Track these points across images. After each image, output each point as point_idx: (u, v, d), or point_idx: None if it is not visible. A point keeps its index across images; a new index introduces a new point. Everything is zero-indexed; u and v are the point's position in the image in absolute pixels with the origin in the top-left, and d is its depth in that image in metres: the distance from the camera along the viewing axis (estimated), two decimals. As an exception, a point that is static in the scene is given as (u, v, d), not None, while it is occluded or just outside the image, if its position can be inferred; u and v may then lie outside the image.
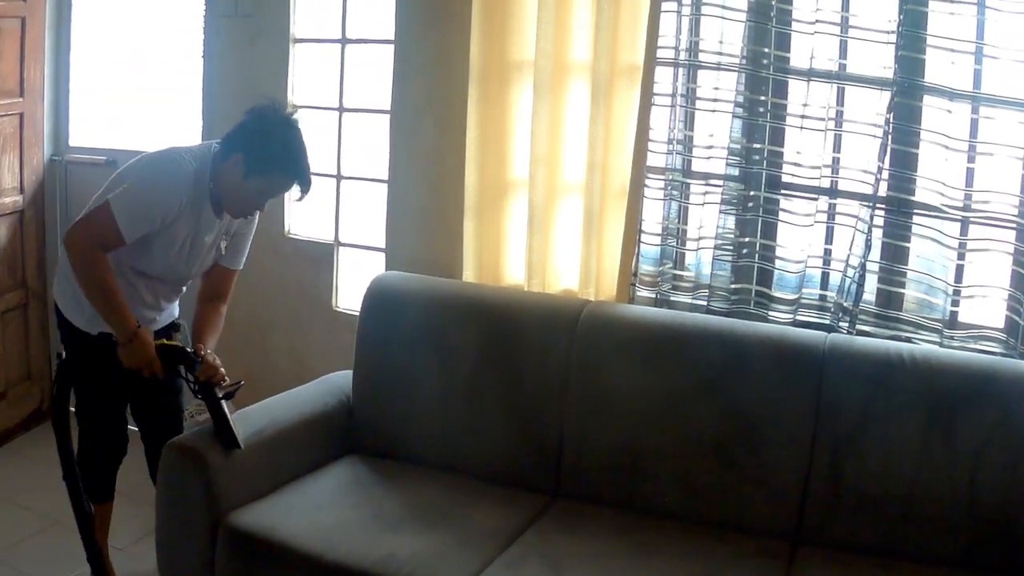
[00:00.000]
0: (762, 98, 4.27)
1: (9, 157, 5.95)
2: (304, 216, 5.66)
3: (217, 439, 3.97)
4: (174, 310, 4.37)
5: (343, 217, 5.55)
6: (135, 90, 6.45)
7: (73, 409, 4.21)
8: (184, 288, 4.33)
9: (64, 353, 4.08)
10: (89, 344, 4.04)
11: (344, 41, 5.40)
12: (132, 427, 4.41)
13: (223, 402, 3.95)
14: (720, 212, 4.39)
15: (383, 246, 5.26)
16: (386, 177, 5.18)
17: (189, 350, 3.99)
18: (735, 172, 4.35)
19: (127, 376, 3.98)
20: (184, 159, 3.94)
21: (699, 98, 4.40)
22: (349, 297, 5.49)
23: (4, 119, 5.85)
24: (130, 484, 4.41)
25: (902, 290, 4.21)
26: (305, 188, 3.97)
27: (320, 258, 5.55)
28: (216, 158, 3.96)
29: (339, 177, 5.50)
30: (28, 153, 6.09)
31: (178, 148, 4.04)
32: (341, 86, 5.45)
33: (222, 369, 3.98)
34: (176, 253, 4.00)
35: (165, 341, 3.97)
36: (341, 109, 5.45)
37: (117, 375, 3.99)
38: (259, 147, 3.86)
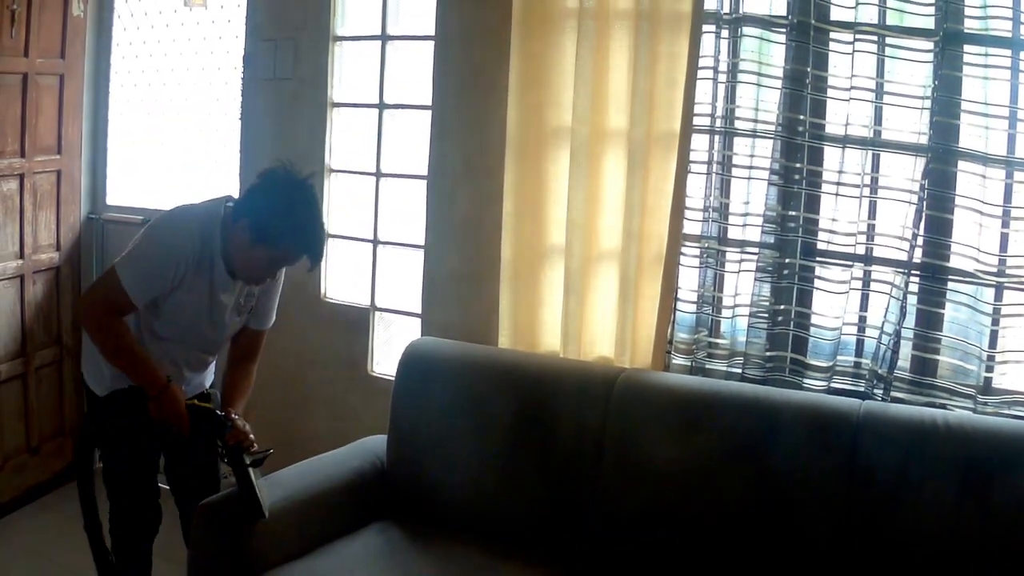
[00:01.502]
0: (797, 165, 4.28)
1: (46, 214, 6.01)
2: (341, 280, 5.69)
3: (241, 507, 3.93)
4: (204, 380, 4.33)
5: (379, 281, 5.56)
6: (173, 149, 6.49)
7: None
8: (213, 358, 4.31)
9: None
10: (114, 410, 4.03)
11: (382, 106, 5.44)
12: (163, 484, 4.39)
13: (250, 469, 3.92)
14: (755, 279, 4.40)
15: (419, 311, 5.28)
16: (422, 242, 5.20)
17: (219, 413, 3.98)
18: (770, 239, 4.36)
19: (161, 438, 3.98)
20: (190, 218, 3.90)
21: (735, 165, 4.42)
22: (384, 362, 5.51)
23: (41, 176, 5.91)
24: (161, 543, 4.41)
25: (936, 356, 4.20)
26: (315, 259, 3.88)
27: (356, 322, 5.57)
28: (226, 218, 3.89)
29: (376, 242, 5.52)
30: (65, 210, 6.15)
31: (186, 206, 4.02)
32: (379, 150, 5.48)
33: (251, 435, 3.96)
34: (194, 315, 3.96)
35: (196, 401, 3.97)
36: (378, 174, 5.48)
37: (145, 440, 4.00)
38: (265, 215, 3.77)
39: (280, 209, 3.77)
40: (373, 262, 5.55)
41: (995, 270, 4.02)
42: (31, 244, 5.87)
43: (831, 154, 4.28)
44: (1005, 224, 4.00)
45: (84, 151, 6.33)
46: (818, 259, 4.33)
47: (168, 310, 3.91)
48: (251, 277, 3.97)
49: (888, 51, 4.16)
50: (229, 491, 4.06)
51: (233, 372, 4.25)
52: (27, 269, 5.86)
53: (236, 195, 4.00)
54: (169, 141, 6.51)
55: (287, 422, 5.73)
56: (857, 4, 4.09)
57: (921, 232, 4.11)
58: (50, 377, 6.06)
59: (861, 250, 4.26)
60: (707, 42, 4.36)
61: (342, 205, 5.67)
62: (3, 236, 5.67)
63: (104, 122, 6.48)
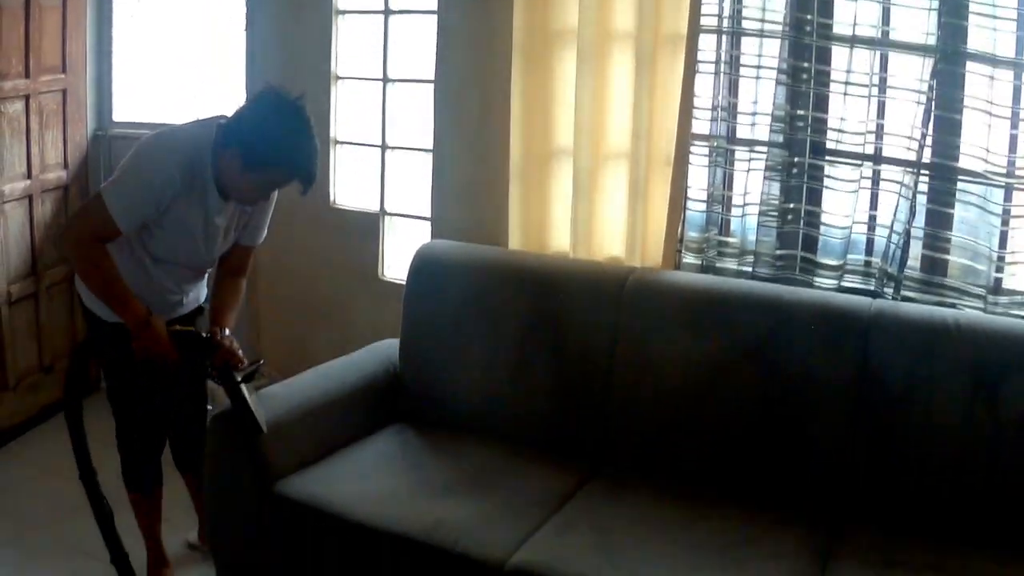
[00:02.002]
0: (805, 64, 4.26)
1: (53, 133, 5.98)
2: (349, 186, 5.70)
3: (238, 425, 3.88)
4: (200, 294, 4.30)
5: (388, 187, 5.57)
6: (178, 62, 6.48)
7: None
8: (207, 272, 4.28)
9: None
10: (113, 333, 4.00)
11: (387, 12, 5.43)
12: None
13: (242, 386, 3.86)
14: (764, 178, 4.40)
15: (429, 215, 5.28)
16: (431, 147, 5.19)
17: (204, 334, 3.91)
18: (779, 138, 4.35)
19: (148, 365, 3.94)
20: (177, 142, 3.81)
21: (743, 65, 4.40)
22: (395, 266, 5.53)
23: (47, 95, 5.89)
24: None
25: (947, 256, 4.21)
26: (306, 184, 3.79)
27: (366, 228, 5.59)
28: (218, 141, 3.79)
29: (384, 147, 5.52)
30: (71, 129, 6.13)
31: (175, 129, 3.95)
32: (385, 57, 5.46)
33: (239, 352, 3.92)
34: (190, 238, 3.91)
35: (178, 327, 3.89)
36: (385, 80, 5.47)
37: (145, 363, 3.92)
38: (255, 141, 3.69)
39: (269, 134, 3.70)
40: (382, 167, 5.56)
41: (1004, 171, 4.01)
42: (39, 164, 5.86)
43: (839, 54, 4.26)
44: (1014, 125, 3.98)
45: (89, 69, 6.31)
46: (827, 158, 4.31)
47: (162, 233, 3.86)
48: (243, 199, 3.93)
49: (896, -49, 4.12)
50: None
51: (221, 288, 4.18)
52: (35, 189, 5.85)
53: (229, 115, 3.90)
54: (174, 54, 6.50)
55: (299, 330, 5.75)
56: (867, -97, 4.06)
57: (930, 132, 4.09)
58: (61, 295, 6.07)
59: (870, 149, 4.25)
60: (713, -58, 4.33)
61: (349, 112, 5.67)
62: (10, 157, 5.65)
63: (108, 38, 6.45)
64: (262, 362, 4.02)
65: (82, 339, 3.92)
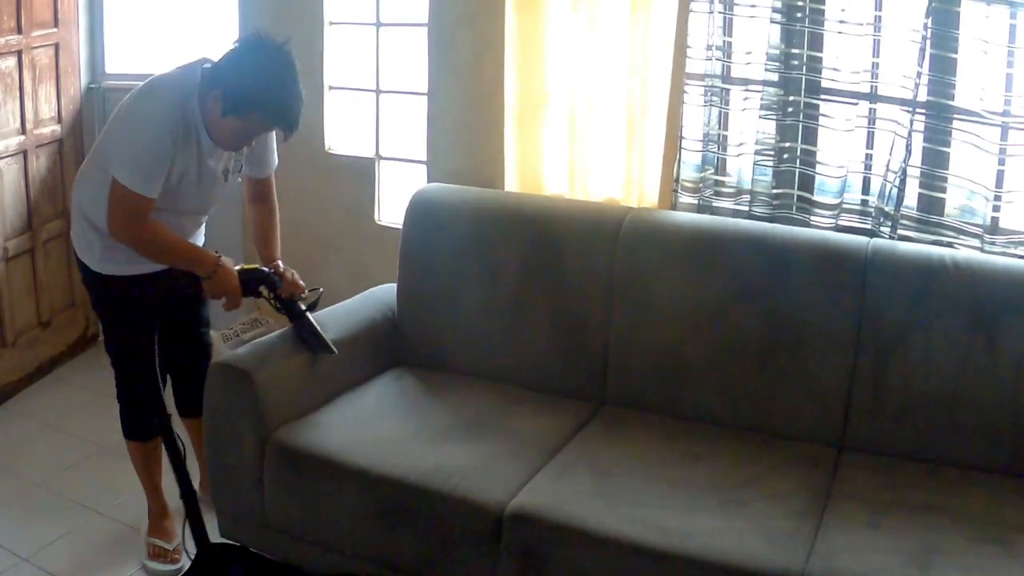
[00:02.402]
0: (800, 3, 4.23)
1: (46, 88, 5.97)
2: (344, 131, 5.68)
3: (309, 348, 4.11)
4: (199, 239, 4.28)
5: (383, 131, 5.55)
6: (169, 12, 6.46)
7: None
8: (206, 217, 4.27)
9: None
10: (105, 285, 4.05)
11: (380, -45, 5.37)
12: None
13: (307, 314, 4.10)
14: (760, 118, 4.38)
15: (424, 159, 5.27)
16: (426, 90, 5.17)
17: (267, 270, 4.03)
18: (774, 78, 4.33)
19: (154, 308, 3.93)
20: (166, 91, 3.77)
21: (737, 4, 4.36)
22: (391, 211, 5.52)
23: (39, 50, 5.86)
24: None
25: (943, 195, 4.19)
26: (288, 130, 3.75)
27: (361, 173, 5.57)
28: (203, 85, 3.77)
29: (378, 91, 5.50)
30: (65, 83, 6.11)
31: (159, 78, 3.87)
32: (378, 1, 5.42)
33: (301, 282, 4.05)
34: (185, 183, 3.89)
35: (245, 266, 3.99)
36: (378, 24, 5.44)
37: (147, 315, 3.92)
38: (236, 85, 3.65)
39: (250, 79, 3.67)
40: (376, 111, 5.54)
41: (1000, 110, 3.99)
42: (32, 119, 5.84)
43: (834, -8, 4.23)
44: (1010, 64, 3.96)
45: (81, 22, 6.28)
46: (823, 97, 4.29)
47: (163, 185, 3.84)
48: (227, 145, 3.90)
49: None
50: (242, 348, 4.09)
51: (257, 222, 4.29)
52: (30, 144, 5.83)
53: (212, 58, 3.87)
54: (165, 4, 6.48)
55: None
56: None
57: (925, 71, 4.07)
58: (58, 250, 6.06)
59: (866, 88, 4.22)
60: None
61: (343, 56, 5.64)
62: (4, 113, 5.63)
63: (100, -10, 6.42)
64: (321, 290, 4.17)
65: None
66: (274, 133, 4.10)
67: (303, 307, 4.07)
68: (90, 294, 4.24)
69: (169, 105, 3.72)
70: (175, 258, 3.89)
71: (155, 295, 3.96)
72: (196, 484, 4.50)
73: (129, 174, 3.67)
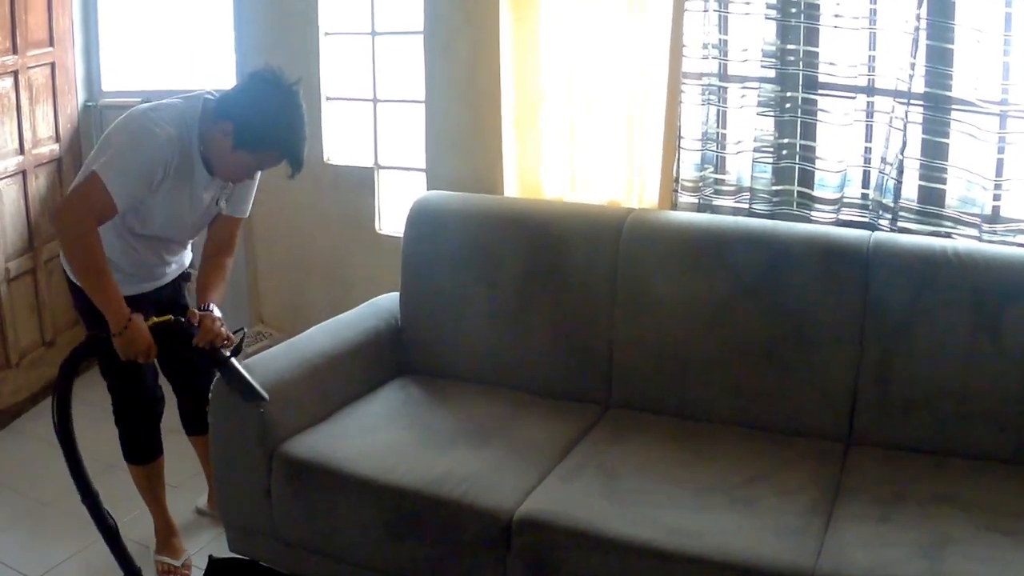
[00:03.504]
0: (793, -1, 4.24)
1: (43, 107, 5.97)
2: (342, 142, 5.69)
3: (240, 396, 3.81)
4: (184, 260, 4.28)
5: (381, 140, 5.56)
6: (165, 30, 6.46)
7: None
8: (188, 242, 4.25)
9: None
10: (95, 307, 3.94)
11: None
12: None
13: (232, 360, 3.80)
14: (758, 114, 4.38)
15: (423, 166, 5.26)
16: (423, 98, 5.17)
17: (182, 320, 3.83)
18: (771, 74, 4.33)
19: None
20: (168, 118, 3.74)
21: (731, 1, 4.36)
22: (392, 220, 5.52)
23: (35, 70, 5.86)
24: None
25: (942, 186, 4.18)
26: (295, 167, 3.77)
27: (361, 183, 5.59)
28: (205, 117, 3.77)
29: (375, 100, 5.51)
30: (62, 101, 6.11)
31: (161, 105, 3.83)
32: (372, 10, 5.44)
33: (223, 329, 3.83)
34: (175, 213, 3.89)
35: (155, 319, 3.77)
36: (374, 33, 5.46)
37: None
38: (250, 120, 3.68)
39: (264, 115, 3.69)
40: (374, 121, 5.55)
41: (998, 98, 3.98)
42: (31, 139, 5.84)
43: (827, -13, 4.23)
44: (1006, 52, 3.95)
45: (77, 40, 6.28)
46: (820, 92, 4.29)
47: (147, 210, 3.83)
48: (229, 176, 3.91)
49: None
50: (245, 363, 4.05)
51: (208, 268, 4.12)
52: (28, 164, 5.83)
53: (212, 90, 3.88)
54: (161, 22, 6.48)
55: (298, 289, 5.77)
56: None
57: (921, 62, 4.06)
58: (59, 269, 5.93)
59: (863, 82, 4.21)
60: None
61: (339, 67, 5.65)
62: (2, 133, 5.63)
63: (94, 9, 6.43)
64: (244, 331, 3.99)
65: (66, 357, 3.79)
66: (258, 178, 4.11)
67: (226, 354, 3.80)
68: (83, 319, 4.20)
69: (171, 134, 3.71)
70: (94, 284, 3.73)
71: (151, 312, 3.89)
72: (205, 500, 4.54)
73: (112, 175, 3.61)
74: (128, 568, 3.88)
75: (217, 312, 3.90)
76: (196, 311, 3.88)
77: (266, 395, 3.80)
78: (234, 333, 3.86)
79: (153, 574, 4.35)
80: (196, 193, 3.89)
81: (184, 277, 4.26)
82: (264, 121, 3.68)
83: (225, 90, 3.83)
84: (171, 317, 3.81)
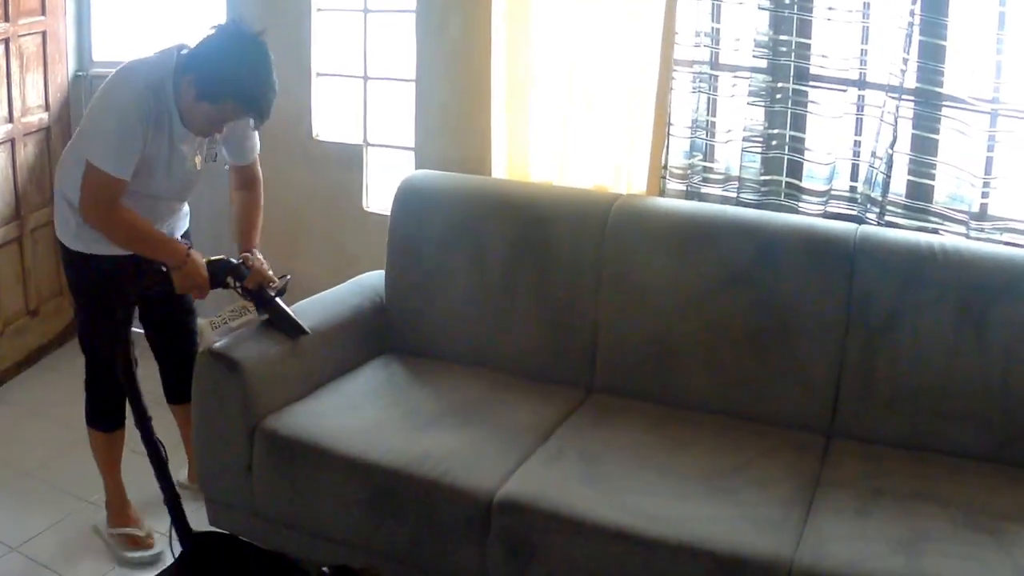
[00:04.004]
0: (787, -11, 4.24)
1: (33, 76, 5.95)
2: (331, 118, 5.67)
3: (284, 333, 4.12)
4: (178, 224, 4.30)
5: (371, 118, 5.54)
6: (158, 1, 6.44)
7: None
8: (184, 204, 4.29)
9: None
10: (86, 267, 4.06)
11: (368, -58, 5.37)
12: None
13: (277, 300, 4.10)
14: (748, 104, 4.38)
15: (412, 145, 5.26)
16: (413, 76, 5.16)
17: (235, 261, 4.02)
18: (762, 64, 4.33)
19: (137, 299, 4.02)
20: (138, 75, 3.79)
21: (723, -10, 4.37)
22: (379, 198, 5.50)
23: (27, 38, 5.85)
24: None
25: (931, 182, 4.19)
26: (259, 119, 3.80)
27: (349, 160, 5.56)
28: (178, 70, 3.80)
29: (366, 78, 5.49)
30: (52, 70, 6.10)
31: (134, 63, 3.89)
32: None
33: (269, 271, 4.04)
34: (157, 168, 3.90)
35: (212, 258, 3.97)
36: (366, 10, 5.42)
37: (120, 296, 3.93)
38: (210, 71, 3.69)
39: (225, 66, 3.70)
40: (364, 98, 5.53)
41: (989, 96, 3.99)
42: (20, 107, 5.83)
43: (822, -22, 4.23)
44: (999, 51, 3.95)
45: (68, 10, 6.27)
46: (811, 84, 4.29)
47: (136, 167, 3.84)
48: (199, 130, 3.92)
49: None
50: (231, 336, 4.06)
51: (239, 208, 4.27)
52: (17, 133, 5.82)
53: (189, 44, 3.89)
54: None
55: (283, 264, 5.72)
56: None
57: (913, 57, 4.06)
58: (45, 238, 6.02)
59: (854, 75, 4.22)
60: None
61: (330, 43, 5.62)
62: (-8, 102, 5.63)
63: (86, -22, 6.41)
64: (289, 277, 4.16)
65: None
66: (250, 123, 4.06)
67: (272, 294, 4.08)
68: (67, 276, 4.25)
69: (142, 89, 3.74)
70: (145, 246, 3.90)
71: (130, 278, 3.99)
72: (185, 474, 4.53)
73: (100, 154, 3.71)
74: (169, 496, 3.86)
75: (259, 255, 4.12)
76: (248, 255, 4.10)
77: (308, 330, 4.18)
78: (281, 277, 4.09)
79: (115, 549, 4.36)
80: (175, 146, 3.91)
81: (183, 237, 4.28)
82: (222, 71, 3.69)
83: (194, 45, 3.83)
84: (224, 257, 4.01)
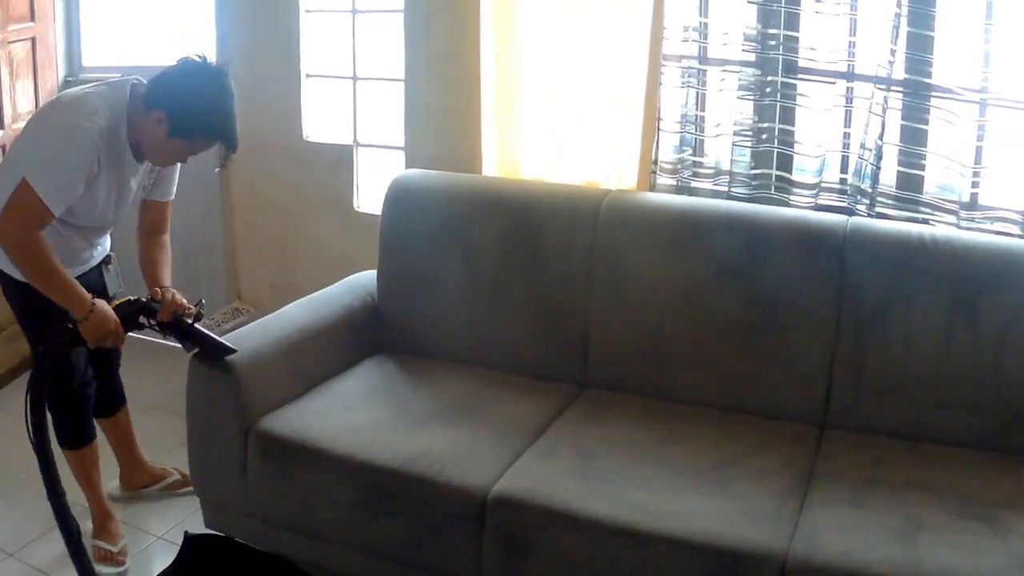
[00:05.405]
0: (776, -18, 4.24)
1: (23, 82, 5.97)
2: (321, 119, 5.68)
3: (211, 358, 3.96)
4: (106, 244, 4.28)
5: (361, 118, 5.55)
6: (147, 5, 6.44)
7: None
8: (109, 229, 4.24)
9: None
10: (26, 294, 3.96)
11: (355, -57, 5.37)
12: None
13: (196, 327, 3.95)
14: (737, 98, 4.38)
15: (402, 145, 5.26)
16: (402, 76, 5.16)
17: (144, 299, 3.92)
18: (751, 58, 4.33)
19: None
20: (94, 108, 3.73)
21: (712, -16, 4.37)
22: (370, 198, 5.52)
23: (16, 44, 5.86)
24: (165, 394, 4.43)
25: (920, 172, 4.19)
26: (232, 148, 3.84)
27: (339, 160, 5.58)
28: (134, 105, 3.76)
29: (355, 78, 5.50)
30: (42, 76, 6.11)
31: (87, 95, 3.81)
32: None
33: (182, 300, 3.93)
34: (104, 202, 3.89)
35: (117, 301, 3.88)
36: (354, 11, 5.45)
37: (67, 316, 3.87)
38: (183, 108, 3.68)
39: (198, 102, 3.70)
40: (353, 98, 5.54)
41: (978, 86, 3.99)
42: (10, 114, 5.86)
43: (809, -29, 4.23)
44: (987, 41, 3.95)
45: (58, 16, 6.28)
46: (800, 76, 4.29)
47: (78, 205, 3.81)
48: (162, 163, 3.95)
49: None
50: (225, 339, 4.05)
51: (149, 250, 4.17)
52: (7, 139, 5.81)
53: (137, 77, 3.87)
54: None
55: (275, 265, 5.77)
56: None
57: (901, 49, 4.07)
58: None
59: (843, 67, 4.22)
60: None
61: (319, 44, 5.64)
62: (-18, 109, 5.63)
63: (76, -15, 6.41)
64: (203, 301, 4.04)
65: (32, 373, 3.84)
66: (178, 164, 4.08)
67: (189, 322, 3.94)
68: (13, 308, 4.21)
69: (99, 123, 3.70)
70: (50, 284, 3.75)
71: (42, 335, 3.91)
72: (115, 483, 4.62)
73: (43, 181, 3.60)
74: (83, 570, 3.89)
75: (171, 288, 4.00)
76: (158, 290, 3.96)
77: (235, 348, 3.97)
78: (195, 304, 3.96)
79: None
80: (125, 180, 3.91)
81: (105, 261, 4.26)
82: (198, 108, 3.69)
83: (154, 77, 3.79)
84: (131, 298, 3.89)
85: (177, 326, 3.92)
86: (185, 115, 3.67)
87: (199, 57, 3.75)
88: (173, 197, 4.23)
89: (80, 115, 3.70)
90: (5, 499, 4.73)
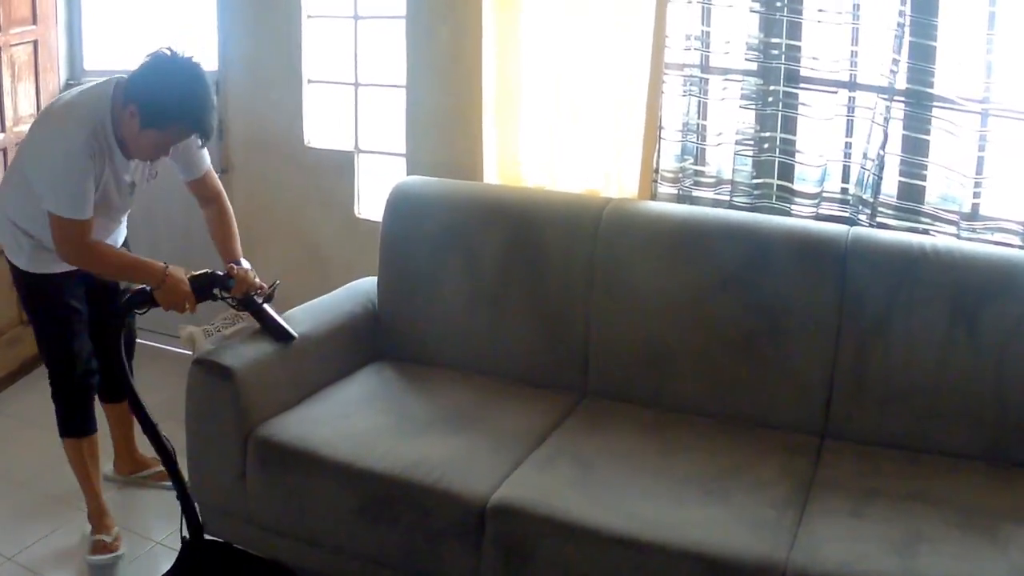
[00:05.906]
0: (779, -8, 4.24)
1: (25, 85, 5.96)
2: (323, 125, 5.67)
3: (273, 338, 4.13)
4: (118, 237, 4.35)
5: (362, 124, 5.55)
6: (149, 9, 6.43)
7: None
8: (123, 218, 4.33)
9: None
10: (37, 284, 4.14)
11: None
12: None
13: (265, 307, 4.13)
14: (739, 107, 4.37)
15: (404, 152, 5.25)
16: (404, 83, 5.15)
17: (220, 273, 4.04)
18: (753, 67, 4.33)
19: (83, 305, 4.11)
20: (79, 113, 3.84)
21: (714, -7, 4.37)
22: (371, 204, 5.51)
23: (18, 48, 5.86)
24: (164, 399, 4.43)
25: (922, 182, 4.19)
26: (204, 137, 3.87)
27: (341, 166, 5.57)
28: (116, 100, 3.84)
29: (357, 84, 5.49)
30: (44, 79, 6.11)
31: (72, 101, 3.93)
32: (355, -6, 5.42)
33: (256, 279, 4.06)
34: (104, 198, 3.96)
35: (194, 273, 3.98)
36: (356, 17, 5.44)
37: (76, 303, 4.11)
38: (153, 99, 3.72)
39: (166, 91, 3.74)
40: (355, 105, 5.53)
41: (980, 97, 3.98)
42: (12, 117, 5.85)
43: (812, -21, 4.23)
44: (989, 51, 3.95)
45: (60, 19, 6.28)
46: (802, 86, 4.29)
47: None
48: (147, 156, 3.97)
49: None
50: (224, 344, 4.07)
51: (212, 221, 4.31)
52: (9, 142, 5.82)
53: (124, 76, 3.91)
54: (144, 1, 6.47)
55: (276, 271, 5.73)
56: None
57: (904, 58, 4.07)
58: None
59: (845, 77, 4.21)
60: None
61: (320, 50, 5.64)
62: (-16, 111, 5.63)
63: (79, -13, 6.41)
64: (278, 282, 4.17)
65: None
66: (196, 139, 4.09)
67: (260, 301, 4.10)
68: (21, 295, 4.32)
69: (87, 129, 3.78)
70: (124, 273, 4.03)
71: (112, 297, 4.16)
72: (111, 466, 4.69)
73: (59, 204, 3.77)
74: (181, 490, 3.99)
75: (246, 264, 4.16)
76: (232, 265, 4.12)
77: (296, 334, 4.19)
78: (269, 285, 4.13)
79: (86, 553, 4.37)
80: (119, 177, 3.99)
81: (123, 246, 4.35)
82: (166, 97, 3.73)
83: (130, 73, 3.84)
84: (207, 270, 4.02)
85: (248, 303, 4.11)
86: (154, 104, 3.72)
87: (168, 51, 3.78)
88: (207, 169, 4.30)
89: (70, 124, 3.83)
90: (5, 503, 4.72)
